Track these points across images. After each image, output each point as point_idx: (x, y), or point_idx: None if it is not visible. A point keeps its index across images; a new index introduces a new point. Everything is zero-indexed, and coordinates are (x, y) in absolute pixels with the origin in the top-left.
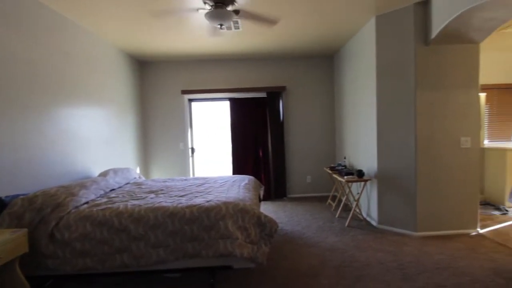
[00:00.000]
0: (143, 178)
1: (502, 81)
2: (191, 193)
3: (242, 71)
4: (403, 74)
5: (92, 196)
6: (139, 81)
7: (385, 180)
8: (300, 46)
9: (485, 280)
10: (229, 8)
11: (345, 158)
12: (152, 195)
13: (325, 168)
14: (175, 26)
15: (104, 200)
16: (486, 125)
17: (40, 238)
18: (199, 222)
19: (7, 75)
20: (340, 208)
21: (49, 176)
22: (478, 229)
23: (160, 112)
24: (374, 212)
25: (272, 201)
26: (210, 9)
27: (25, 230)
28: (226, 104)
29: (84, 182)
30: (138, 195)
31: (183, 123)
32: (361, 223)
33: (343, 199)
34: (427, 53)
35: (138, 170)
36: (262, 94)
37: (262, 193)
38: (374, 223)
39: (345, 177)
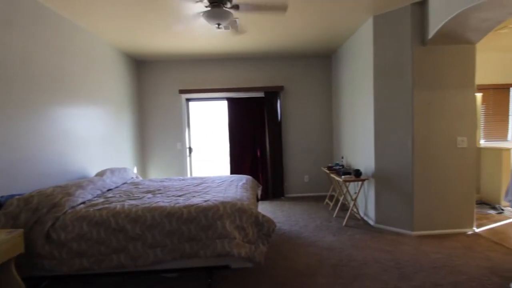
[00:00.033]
0: (140, 178)
1: (498, 81)
2: (189, 193)
3: (240, 70)
4: (400, 74)
5: (89, 196)
6: (137, 81)
7: (383, 179)
8: (298, 46)
9: (481, 278)
10: (227, 6)
11: (342, 157)
12: (150, 195)
13: (322, 168)
14: (173, 26)
15: (101, 200)
16: (482, 125)
17: (36, 239)
18: (196, 222)
19: (2, 74)
20: (337, 208)
21: (45, 176)
22: (474, 228)
23: (158, 111)
24: (372, 212)
25: (269, 200)
26: (207, 8)
27: (21, 230)
28: (224, 104)
29: (80, 182)
30: (135, 195)
31: (181, 122)
32: (359, 223)
33: (341, 198)
34: (424, 53)
35: (135, 170)
36: (260, 94)
37: (259, 192)
38: (371, 222)
39: (343, 176)
